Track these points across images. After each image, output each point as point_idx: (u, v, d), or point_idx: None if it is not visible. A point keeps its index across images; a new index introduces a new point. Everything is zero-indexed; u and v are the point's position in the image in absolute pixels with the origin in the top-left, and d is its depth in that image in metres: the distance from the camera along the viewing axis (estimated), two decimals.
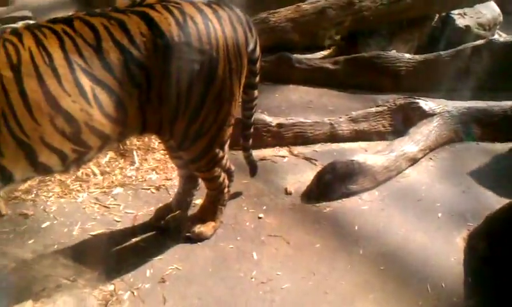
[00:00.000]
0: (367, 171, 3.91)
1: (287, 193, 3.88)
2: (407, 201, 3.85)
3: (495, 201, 3.75)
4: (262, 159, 4.17)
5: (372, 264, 3.27)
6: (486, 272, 3.23)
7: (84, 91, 2.44)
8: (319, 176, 3.90)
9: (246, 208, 3.70)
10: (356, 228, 3.56)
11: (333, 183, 3.83)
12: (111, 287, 2.96)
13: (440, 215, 3.72)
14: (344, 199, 3.82)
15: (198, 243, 3.33)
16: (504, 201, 3.57)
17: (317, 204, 3.77)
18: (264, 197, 3.82)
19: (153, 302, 2.90)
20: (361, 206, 3.78)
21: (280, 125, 4.48)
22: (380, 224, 3.60)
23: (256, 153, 3.83)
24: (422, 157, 4.36)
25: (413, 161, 4.28)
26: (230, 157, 3.47)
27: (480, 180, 4.16)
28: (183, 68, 2.65)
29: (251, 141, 3.66)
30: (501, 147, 4.62)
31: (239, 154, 3.86)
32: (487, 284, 3.16)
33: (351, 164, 3.90)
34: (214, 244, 3.35)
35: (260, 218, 3.60)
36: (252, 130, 3.61)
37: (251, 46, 3.00)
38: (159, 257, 3.21)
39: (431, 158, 4.42)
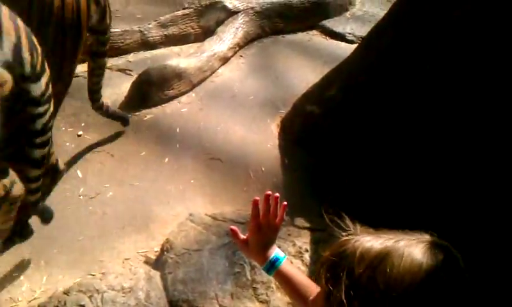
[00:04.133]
0: (182, 75, 3.98)
1: None
2: (222, 98, 4.03)
3: (302, 87, 4.02)
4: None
5: (198, 162, 3.43)
6: (298, 152, 3.58)
7: None
8: (135, 85, 3.89)
9: (64, 128, 3.57)
10: (178, 130, 3.67)
11: (149, 90, 3.85)
12: None
13: (253, 106, 3.97)
14: (163, 105, 3.88)
15: None
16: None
17: (137, 113, 3.77)
18: (81, 115, 3.70)
19: None
20: (181, 109, 3.88)
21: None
22: (200, 123, 3.75)
23: None
24: (232, 55, 4.53)
25: (225, 60, 4.44)
26: None
27: (288, 70, 4.47)
28: None
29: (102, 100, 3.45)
30: (302, 37, 4.97)
31: None
32: (300, 161, 3.51)
33: (164, 69, 3.94)
34: None
35: (79, 136, 3.53)
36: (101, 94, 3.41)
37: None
38: None
39: (241, 56, 4.61)
